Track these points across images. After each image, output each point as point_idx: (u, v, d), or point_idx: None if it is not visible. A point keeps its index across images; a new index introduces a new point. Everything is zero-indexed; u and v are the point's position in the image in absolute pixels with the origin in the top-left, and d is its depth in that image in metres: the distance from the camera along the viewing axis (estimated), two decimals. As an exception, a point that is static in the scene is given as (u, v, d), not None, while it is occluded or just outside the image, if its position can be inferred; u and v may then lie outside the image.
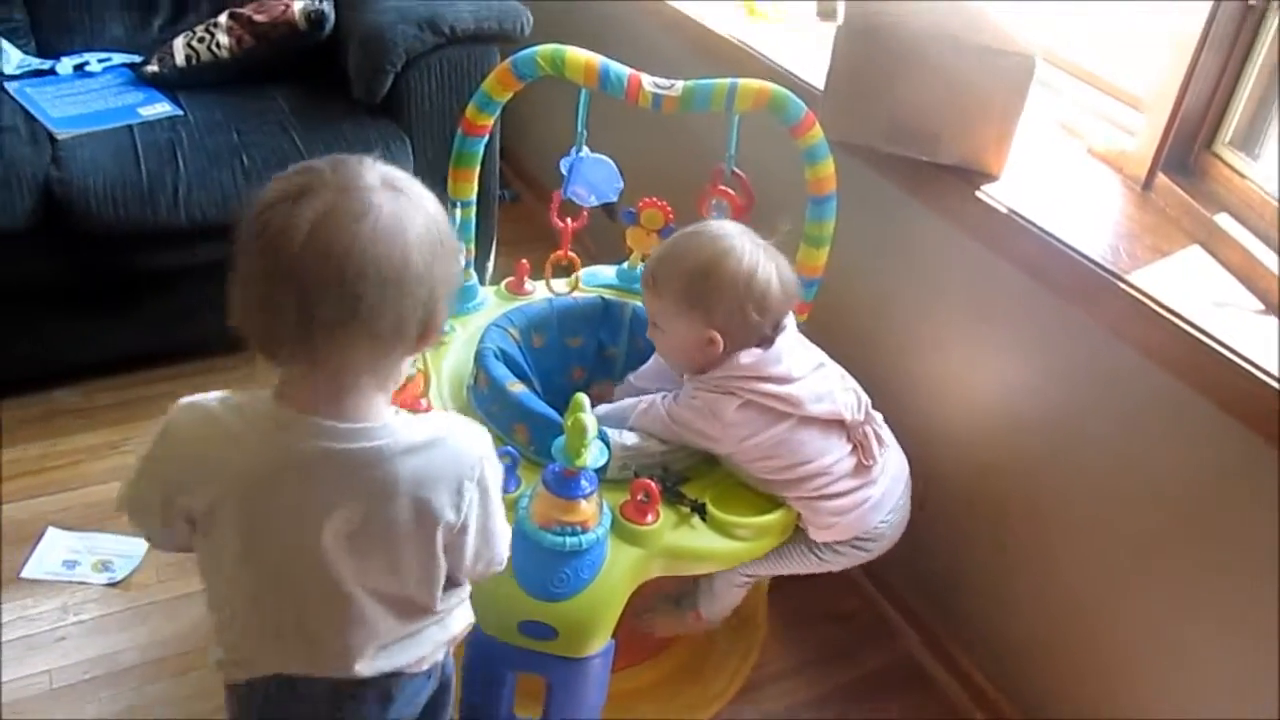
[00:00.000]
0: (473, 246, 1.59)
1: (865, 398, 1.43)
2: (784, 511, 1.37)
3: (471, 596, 1.12)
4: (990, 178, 1.54)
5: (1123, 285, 1.33)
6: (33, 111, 2.00)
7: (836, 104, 1.58)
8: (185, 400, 0.95)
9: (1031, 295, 1.48)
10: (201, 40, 2.15)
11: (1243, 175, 1.43)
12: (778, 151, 1.48)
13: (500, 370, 1.39)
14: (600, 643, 1.27)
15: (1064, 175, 1.57)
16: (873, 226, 1.72)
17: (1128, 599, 1.45)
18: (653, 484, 1.28)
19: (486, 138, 1.50)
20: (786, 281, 1.35)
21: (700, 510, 1.33)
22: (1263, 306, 1.30)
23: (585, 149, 1.52)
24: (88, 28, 2.28)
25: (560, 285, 1.66)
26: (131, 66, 2.20)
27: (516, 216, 2.71)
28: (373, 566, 0.97)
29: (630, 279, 1.68)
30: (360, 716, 1.06)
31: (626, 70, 1.40)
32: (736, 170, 1.50)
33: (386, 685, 1.06)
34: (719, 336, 1.33)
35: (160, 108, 2.07)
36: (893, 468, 1.43)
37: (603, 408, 1.42)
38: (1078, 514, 1.50)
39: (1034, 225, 1.44)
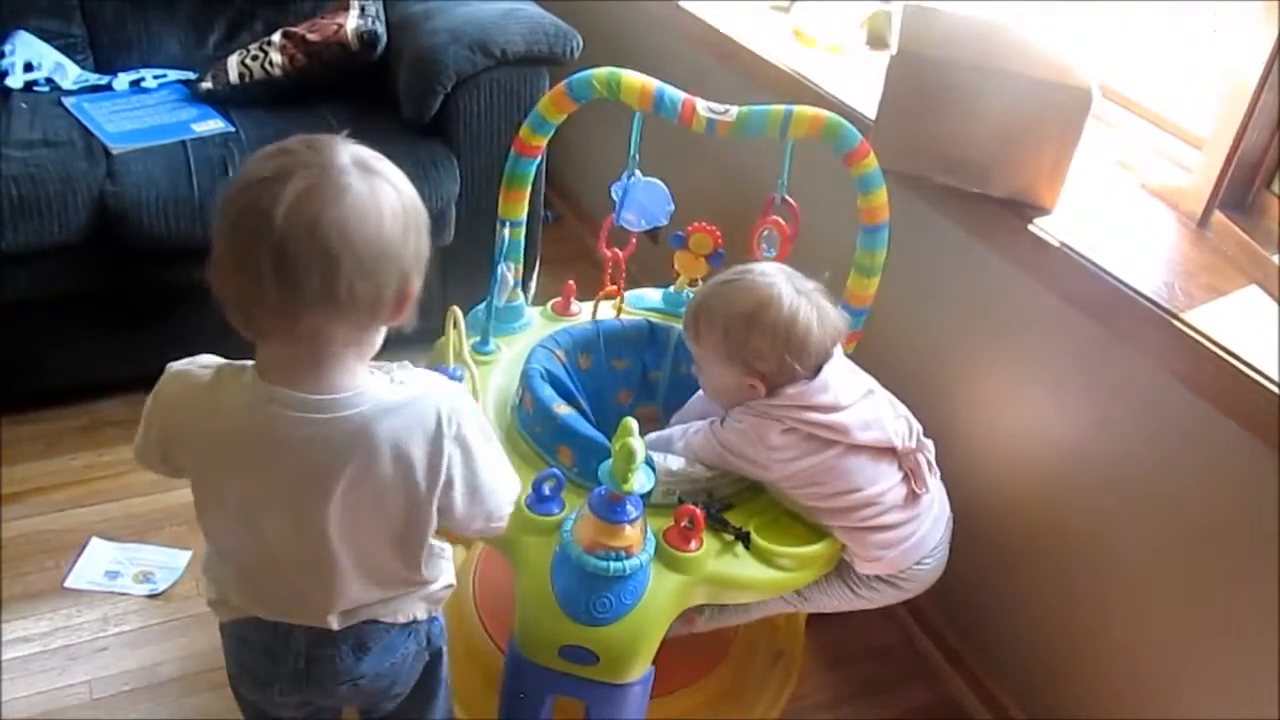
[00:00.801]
0: (520, 266, 1.61)
1: (916, 425, 1.43)
2: (829, 542, 1.37)
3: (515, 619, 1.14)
4: (1043, 211, 1.54)
5: (1178, 324, 1.32)
6: (89, 126, 2.06)
7: (888, 133, 1.59)
8: (174, 366, 1.04)
9: (1082, 332, 1.48)
10: (255, 58, 2.20)
11: (1303, 215, 1.43)
12: (822, 179, 1.49)
13: (546, 391, 1.40)
14: (641, 669, 1.28)
15: (1118, 210, 1.57)
16: (921, 257, 1.72)
17: (1178, 643, 1.43)
18: (698, 510, 1.29)
19: (539, 159, 1.52)
20: (828, 324, 1.35)
21: (744, 538, 1.33)
22: (1322, 350, 1.30)
23: (637, 173, 1.54)
24: (144, 45, 2.33)
25: (607, 309, 1.68)
26: (186, 83, 2.26)
27: (559, 237, 2.74)
28: (358, 529, 1.02)
29: (676, 302, 1.70)
30: (334, 663, 1.12)
31: (681, 94, 1.42)
32: (788, 197, 1.51)
33: (361, 635, 1.12)
34: (760, 384, 1.35)
35: (213, 124, 2.12)
36: (937, 506, 1.43)
37: (649, 435, 1.43)
38: (1128, 555, 1.49)
39: (1087, 260, 1.44)
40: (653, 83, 1.42)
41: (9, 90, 2.15)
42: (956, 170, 1.56)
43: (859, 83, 1.83)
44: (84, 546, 1.85)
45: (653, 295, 1.72)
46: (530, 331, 1.63)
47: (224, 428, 0.99)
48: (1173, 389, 1.35)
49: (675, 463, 1.36)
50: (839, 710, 1.74)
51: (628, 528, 1.23)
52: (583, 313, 1.69)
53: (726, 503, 1.38)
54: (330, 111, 2.19)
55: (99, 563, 1.83)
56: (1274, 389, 1.22)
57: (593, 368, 1.59)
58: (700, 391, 1.51)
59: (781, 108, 1.39)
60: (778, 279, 1.35)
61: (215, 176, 1.97)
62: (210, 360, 1.03)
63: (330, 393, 0.96)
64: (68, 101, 2.14)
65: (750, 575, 1.32)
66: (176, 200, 1.93)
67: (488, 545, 1.70)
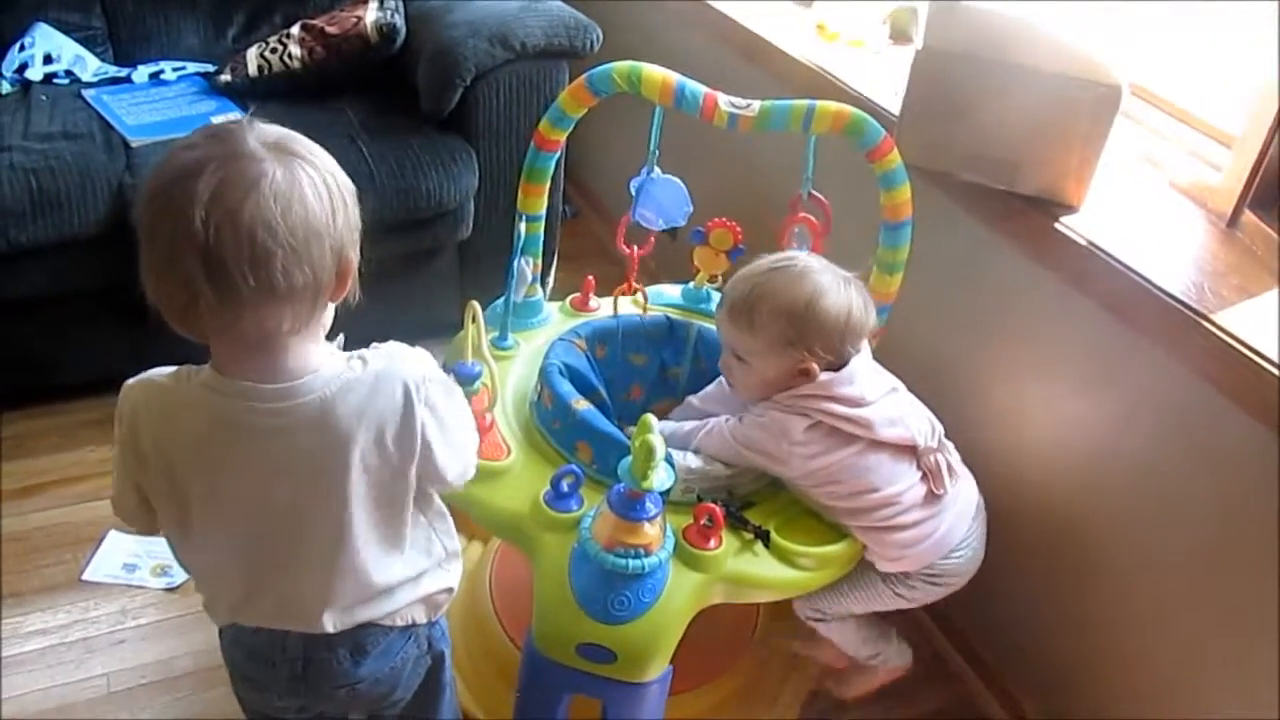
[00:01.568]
0: (539, 261, 1.61)
1: (939, 425, 1.43)
2: (849, 542, 1.37)
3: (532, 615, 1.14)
4: (1069, 209, 1.53)
5: (1207, 325, 1.31)
6: (109, 119, 2.08)
7: (913, 129, 1.58)
8: (130, 381, 1.02)
9: (1109, 331, 1.47)
10: (274, 51, 2.21)
11: (1336, 215, 1.41)
12: (843, 176, 1.49)
13: (565, 387, 1.41)
14: (659, 668, 1.28)
15: (1145, 209, 1.55)
16: (945, 253, 1.72)
17: (1199, 647, 1.43)
18: (717, 508, 1.29)
19: (559, 154, 1.52)
20: (871, 309, 1.39)
21: (764, 537, 1.33)
22: (1355, 353, 1.28)
23: (656, 169, 1.54)
24: (163, 37, 2.35)
25: (627, 304, 1.68)
26: (205, 76, 2.27)
27: (576, 232, 2.74)
28: (336, 512, 1.00)
29: (696, 299, 1.70)
30: (331, 666, 1.12)
31: (703, 89, 1.42)
32: (815, 193, 1.51)
33: (359, 638, 1.11)
34: (815, 367, 1.35)
35: (232, 117, 2.13)
36: (962, 501, 1.43)
37: (665, 425, 1.43)
38: (1149, 558, 1.48)
39: (1114, 259, 1.43)
40: (674, 77, 1.42)
41: (29, 82, 2.17)
42: (982, 167, 1.56)
43: (882, 78, 1.82)
44: (101, 539, 1.87)
45: (672, 291, 1.72)
46: (548, 327, 1.63)
47: (190, 427, 0.98)
48: (1201, 391, 1.34)
49: (694, 460, 1.36)
50: (856, 711, 1.73)
51: (647, 525, 1.23)
52: (602, 308, 1.69)
53: (746, 501, 1.38)
54: (349, 105, 2.20)
55: (116, 556, 1.85)
56: (1305, 392, 1.21)
57: (608, 358, 1.60)
58: (716, 382, 1.51)
59: (804, 103, 1.39)
60: (823, 268, 1.37)
61: (234, 170, 1.98)
62: (165, 369, 1.01)
63: (289, 379, 0.95)
64: (87, 94, 2.16)
65: (769, 574, 1.32)
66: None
67: (505, 543, 1.71)
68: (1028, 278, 1.58)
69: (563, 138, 1.51)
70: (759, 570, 1.32)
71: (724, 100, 1.41)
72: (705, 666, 1.64)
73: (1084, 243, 1.46)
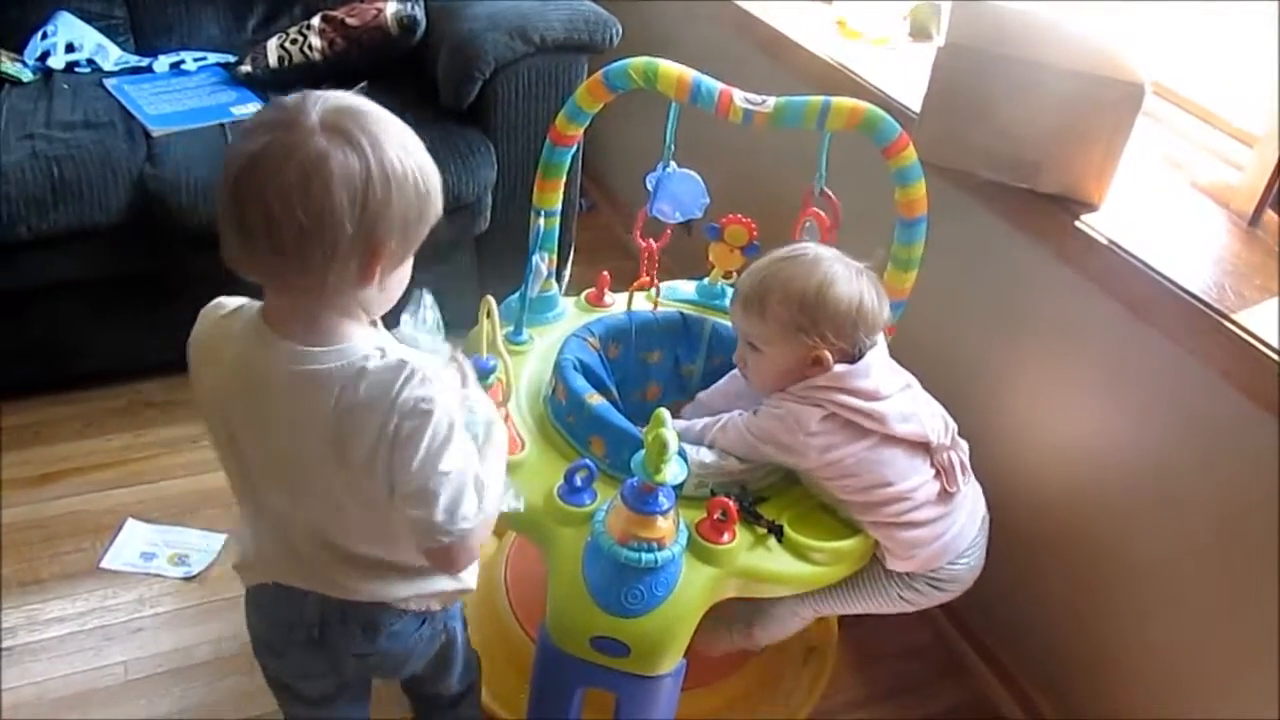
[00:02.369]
0: (554, 256, 1.63)
1: (952, 423, 1.44)
2: (862, 538, 1.39)
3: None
4: (1090, 207, 1.53)
5: (1229, 325, 1.32)
6: (129, 108, 2.11)
7: (933, 126, 1.59)
8: (210, 304, 1.08)
9: (1129, 330, 1.47)
10: (294, 42, 2.24)
11: (1359, 214, 1.41)
12: (858, 172, 1.50)
13: (579, 382, 1.42)
14: (672, 661, 1.30)
15: (1167, 208, 1.56)
16: (964, 250, 1.72)
17: (1214, 645, 1.44)
18: (730, 502, 1.30)
19: (575, 148, 1.54)
20: (883, 299, 1.40)
21: (777, 532, 1.35)
22: (1378, 354, 1.28)
23: (673, 164, 1.55)
24: (184, 27, 2.38)
25: (641, 301, 1.69)
26: (225, 66, 2.30)
27: (592, 226, 2.76)
28: (344, 479, 1.02)
29: (711, 295, 1.71)
30: (345, 639, 1.16)
31: (718, 85, 1.43)
32: (826, 190, 1.52)
33: (372, 616, 1.15)
34: (828, 354, 1.36)
35: (252, 107, 2.16)
36: (970, 504, 1.44)
37: (677, 423, 1.44)
38: (1165, 556, 1.49)
39: (1135, 258, 1.43)
40: (690, 73, 1.43)
41: (51, 71, 2.20)
42: (1002, 165, 1.56)
43: (902, 75, 1.83)
44: (120, 528, 1.90)
45: (686, 287, 1.74)
46: (564, 322, 1.64)
47: (229, 356, 1.03)
48: (1221, 390, 1.34)
49: (708, 455, 1.38)
50: (870, 709, 1.75)
51: (660, 519, 1.25)
52: (616, 304, 1.70)
53: (759, 496, 1.39)
54: (368, 96, 2.21)
55: (135, 544, 1.88)
56: (1325, 393, 1.21)
57: (620, 358, 1.61)
58: (727, 377, 1.53)
59: (820, 99, 1.40)
60: (835, 258, 1.39)
61: (254, 161, 2.00)
62: (238, 299, 1.07)
63: (315, 345, 0.99)
64: (109, 83, 2.19)
65: (782, 569, 1.34)
66: (215, 183, 1.95)
67: (520, 538, 1.73)
68: (1047, 276, 1.59)
69: (579, 133, 1.52)
70: (772, 565, 1.33)
71: (739, 96, 1.42)
72: (720, 663, 1.66)
73: (1105, 241, 1.47)
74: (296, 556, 1.11)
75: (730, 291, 1.69)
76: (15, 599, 1.76)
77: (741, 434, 1.39)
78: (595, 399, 1.40)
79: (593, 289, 1.71)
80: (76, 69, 2.23)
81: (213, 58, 2.32)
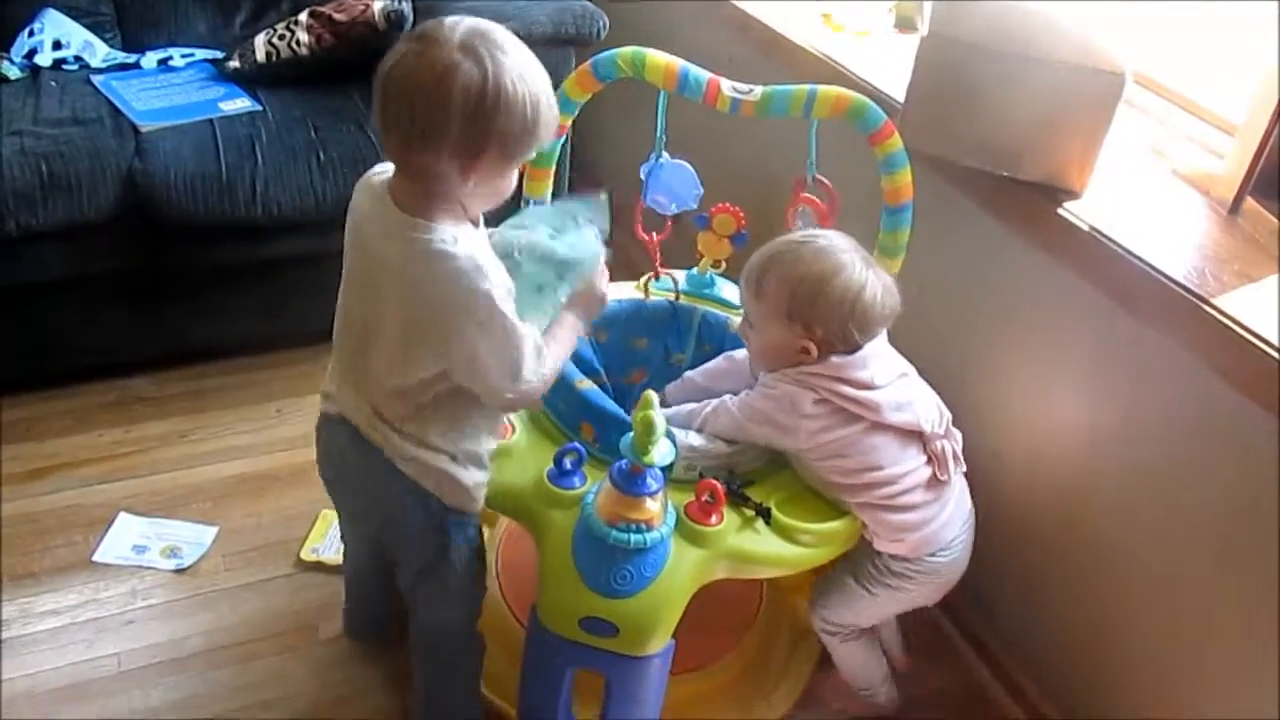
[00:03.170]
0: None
1: (947, 413, 1.47)
2: (848, 520, 1.42)
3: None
4: (1072, 195, 1.56)
5: (1207, 309, 1.34)
6: (117, 104, 2.13)
7: (917, 115, 1.62)
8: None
9: (1111, 317, 1.50)
10: (282, 38, 2.26)
11: (1337, 201, 1.45)
12: (843, 161, 1.53)
13: (569, 367, 1.46)
14: (661, 642, 1.33)
15: (1148, 195, 1.59)
16: (947, 239, 1.76)
17: (1205, 639, 1.46)
18: (719, 485, 1.33)
19: (564, 139, 1.57)
20: (889, 298, 1.41)
21: (765, 514, 1.38)
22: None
23: (665, 154, 1.59)
24: (172, 23, 2.41)
25: (629, 289, 1.73)
26: (213, 62, 2.33)
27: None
28: (402, 331, 1.21)
29: (700, 284, 1.74)
30: (353, 470, 1.35)
31: (706, 74, 1.47)
32: (819, 176, 1.55)
33: (372, 458, 1.30)
34: (814, 348, 1.39)
35: (240, 103, 2.18)
36: (959, 496, 1.48)
37: (666, 410, 1.47)
38: (1155, 548, 1.51)
39: (1116, 244, 1.46)
40: (677, 62, 1.47)
41: (38, 68, 2.23)
42: (985, 154, 1.59)
43: (887, 66, 1.86)
44: (112, 521, 1.93)
45: (676, 277, 1.77)
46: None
47: (363, 203, 1.26)
48: (1202, 375, 1.37)
49: (696, 438, 1.41)
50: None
51: (648, 501, 1.28)
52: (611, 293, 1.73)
53: (748, 479, 1.43)
54: (357, 91, 2.24)
55: (127, 537, 1.90)
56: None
57: (609, 343, 1.64)
58: (715, 359, 1.57)
59: (806, 88, 1.44)
60: (849, 249, 1.40)
61: (243, 155, 2.04)
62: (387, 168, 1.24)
63: (410, 215, 1.17)
64: (96, 80, 2.21)
65: (770, 551, 1.37)
66: (204, 177, 1.99)
67: (511, 526, 1.76)
68: (1030, 263, 1.62)
69: (567, 122, 1.56)
70: (760, 546, 1.37)
71: (727, 85, 1.46)
72: (708, 648, 1.70)
73: (1086, 228, 1.50)
74: (355, 392, 1.30)
75: (720, 280, 1.73)
76: (9, 592, 1.79)
77: (732, 416, 1.42)
78: (584, 384, 1.44)
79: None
80: (64, 66, 2.26)
81: (200, 54, 2.35)
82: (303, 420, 2.14)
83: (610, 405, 1.41)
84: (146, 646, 1.73)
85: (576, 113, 1.55)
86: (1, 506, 1.93)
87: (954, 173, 1.64)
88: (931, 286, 1.78)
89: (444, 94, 1.10)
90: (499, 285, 1.18)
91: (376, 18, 2.24)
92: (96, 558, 1.86)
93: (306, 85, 2.25)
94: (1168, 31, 1.71)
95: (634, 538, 1.27)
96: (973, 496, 1.54)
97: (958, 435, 1.47)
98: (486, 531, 1.85)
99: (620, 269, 1.69)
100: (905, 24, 2.04)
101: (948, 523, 1.44)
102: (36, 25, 2.28)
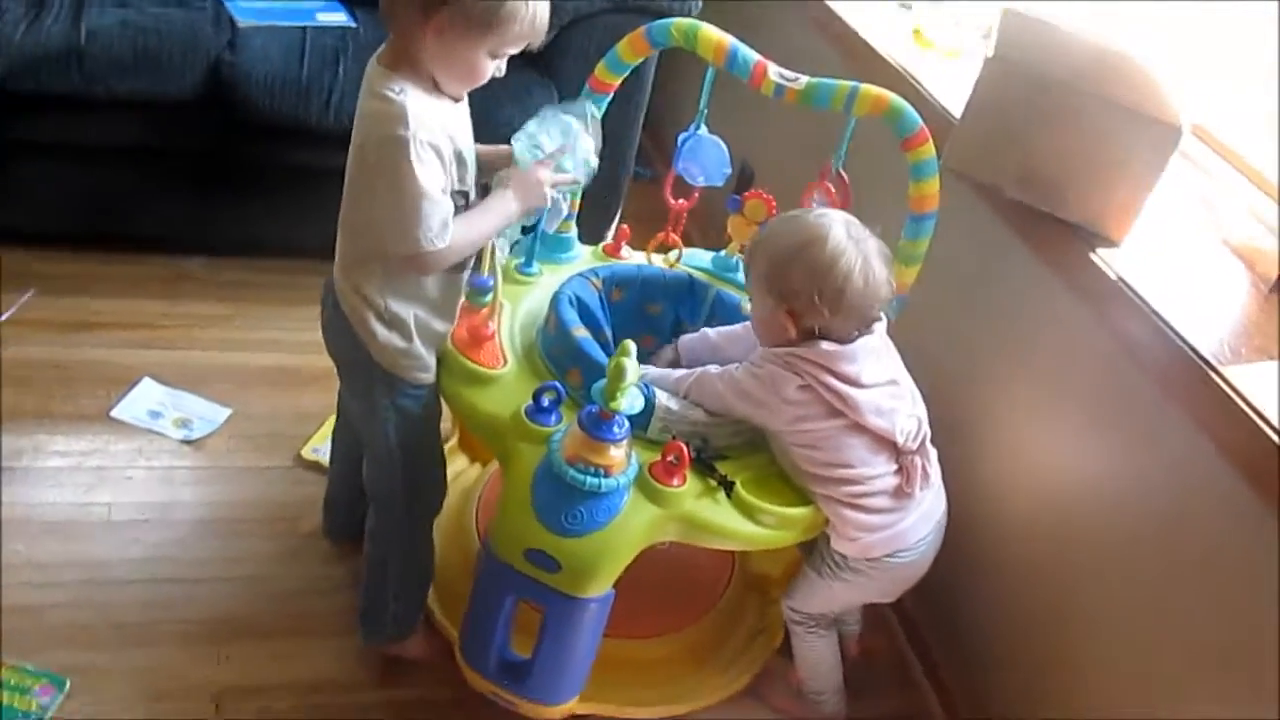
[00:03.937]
0: (577, 200, 1.70)
1: (926, 429, 1.48)
2: (812, 509, 1.43)
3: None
4: (1110, 243, 1.56)
5: (1213, 375, 1.33)
6: (224, -1, 2.24)
7: (968, 137, 1.63)
8: None
9: (1119, 367, 1.49)
10: (390, -37, 2.34)
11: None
12: (882, 169, 1.55)
13: (570, 315, 1.50)
14: (600, 588, 1.36)
15: (1189, 258, 1.57)
16: (976, 261, 1.76)
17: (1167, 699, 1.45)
18: (685, 447, 1.36)
19: (610, 96, 1.62)
20: (873, 280, 1.38)
21: (728, 486, 1.40)
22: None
23: (704, 128, 1.62)
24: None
25: (658, 260, 1.76)
26: (321, -24, 2.42)
27: (649, 193, 2.82)
28: (354, 172, 1.34)
29: (725, 267, 1.77)
30: (330, 326, 1.47)
31: (755, 55, 1.49)
32: (841, 171, 1.57)
33: (339, 315, 1.42)
34: (791, 324, 1.40)
35: (336, 17, 2.27)
36: (927, 505, 1.48)
37: (652, 371, 1.51)
38: (1125, 607, 1.50)
39: (1138, 297, 1.45)
40: (728, 39, 1.50)
41: (161, -48, 2.34)
42: (1031, 186, 1.59)
43: (963, 90, 1.85)
44: (135, 383, 2.04)
45: (704, 257, 1.80)
46: (576, 264, 1.72)
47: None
48: (1198, 443, 1.35)
49: (676, 402, 1.44)
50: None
51: (612, 448, 1.31)
52: (633, 260, 1.77)
53: (721, 453, 1.45)
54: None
55: (145, 401, 2.01)
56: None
57: (624, 303, 1.68)
58: (717, 330, 1.61)
59: (850, 84, 1.46)
60: (833, 221, 1.39)
61: (325, 65, 2.12)
62: None
63: (381, 66, 1.28)
64: (211, -27, 2.32)
65: (727, 524, 1.39)
66: (285, 80, 2.09)
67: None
68: (1055, 303, 1.62)
69: (616, 82, 1.60)
70: (716, 517, 1.39)
71: (774, 70, 1.49)
72: (671, 616, 1.74)
73: (1113, 277, 1.49)
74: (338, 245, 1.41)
75: (744, 266, 1.75)
76: (28, 428, 1.90)
77: (716, 387, 1.44)
78: (580, 332, 1.48)
79: (611, 241, 1.78)
80: (188, -43, 2.37)
81: (313, -34, 2.45)
82: (337, 329, 2.22)
83: (600, 355, 1.44)
84: (137, 503, 1.82)
85: (627, 74, 1.59)
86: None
87: (996, 200, 1.64)
88: (953, 303, 1.78)
89: None
90: (420, 143, 1.24)
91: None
92: (113, 414, 1.97)
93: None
94: (1233, 83, 1.69)
95: (590, 480, 1.31)
96: (951, 513, 1.54)
97: (932, 453, 1.48)
98: (477, 469, 1.92)
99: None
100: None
101: (907, 530, 1.45)
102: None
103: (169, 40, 2.06)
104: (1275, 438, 1.25)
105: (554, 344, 1.51)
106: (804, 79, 1.48)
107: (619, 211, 2.50)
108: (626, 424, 1.32)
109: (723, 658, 1.75)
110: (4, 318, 2.10)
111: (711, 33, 1.50)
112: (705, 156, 1.63)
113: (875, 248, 1.40)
